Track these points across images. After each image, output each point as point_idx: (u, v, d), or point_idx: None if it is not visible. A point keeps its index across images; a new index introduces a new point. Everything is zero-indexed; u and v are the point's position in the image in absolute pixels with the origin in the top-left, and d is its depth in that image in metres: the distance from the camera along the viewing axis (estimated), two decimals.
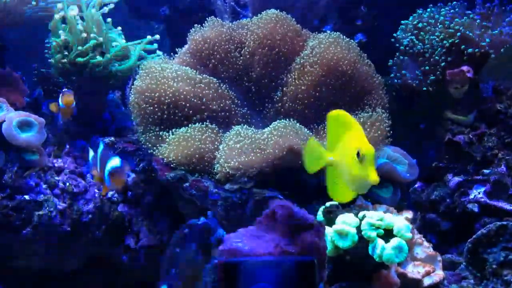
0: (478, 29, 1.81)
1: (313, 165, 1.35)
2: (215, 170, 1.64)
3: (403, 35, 1.94)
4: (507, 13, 1.85)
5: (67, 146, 1.94)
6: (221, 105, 1.78)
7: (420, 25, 1.92)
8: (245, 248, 1.11)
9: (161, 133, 1.73)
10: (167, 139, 1.70)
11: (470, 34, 1.80)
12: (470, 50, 1.80)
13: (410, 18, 1.96)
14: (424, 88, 1.86)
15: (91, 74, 1.95)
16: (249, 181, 1.61)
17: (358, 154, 1.20)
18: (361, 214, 1.35)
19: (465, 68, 1.82)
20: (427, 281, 1.39)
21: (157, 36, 2.07)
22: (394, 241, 1.28)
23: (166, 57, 1.92)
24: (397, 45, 1.96)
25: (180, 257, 1.56)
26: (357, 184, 1.23)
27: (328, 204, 1.45)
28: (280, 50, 1.82)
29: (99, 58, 1.93)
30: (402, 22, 1.97)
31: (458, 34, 1.82)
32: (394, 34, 1.97)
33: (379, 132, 1.69)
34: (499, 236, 1.40)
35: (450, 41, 1.84)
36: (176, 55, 1.90)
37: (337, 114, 1.30)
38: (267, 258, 1.13)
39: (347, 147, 1.24)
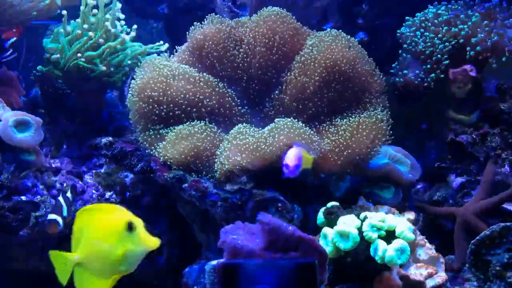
0: (482, 31, 1.79)
1: (62, 274, 1.25)
2: (215, 168, 1.63)
3: (407, 31, 1.93)
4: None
5: (64, 146, 1.92)
6: (221, 103, 1.76)
7: (424, 23, 1.90)
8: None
9: (159, 132, 1.72)
10: (166, 139, 1.68)
11: (474, 39, 1.78)
12: (472, 53, 1.78)
13: (416, 16, 1.95)
14: (426, 85, 1.85)
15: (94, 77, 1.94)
16: (249, 181, 1.60)
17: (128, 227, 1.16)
18: (362, 215, 1.33)
19: (467, 67, 1.81)
20: (430, 283, 1.38)
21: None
22: (396, 243, 1.27)
23: (165, 56, 1.90)
24: (400, 41, 1.95)
25: None
26: (132, 258, 1.18)
27: (329, 204, 1.44)
28: (279, 48, 1.80)
29: (100, 67, 1.91)
30: (407, 18, 1.95)
31: (463, 33, 1.81)
32: (398, 31, 1.96)
33: (379, 131, 1.67)
34: (503, 238, 1.39)
35: (453, 42, 1.82)
36: (175, 53, 1.89)
37: (82, 211, 1.24)
38: (268, 260, 1.12)
39: (102, 231, 1.19)
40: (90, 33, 1.90)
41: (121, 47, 1.98)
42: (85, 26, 1.93)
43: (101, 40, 1.91)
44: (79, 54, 1.90)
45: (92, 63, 1.92)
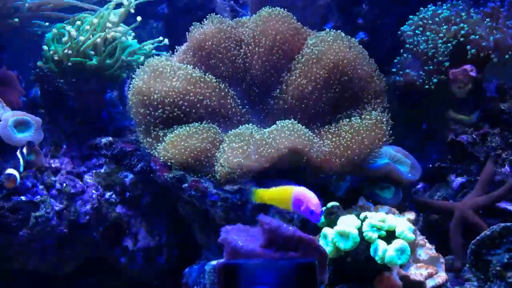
0: (483, 29, 1.79)
1: None
2: (215, 169, 1.62)
3: (409, 30, 1.92)
4: None
5: (64, 146, 1.92)
6: (221, 104, 1.76)
7: (424, 22, 1.90)
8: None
9: (160, 132, 1.71)
10: (166, 139, 1.68)
11: (475, 36, 1.78)
12: (473, 50, 1.78)
13: (417, 14, 1.95)
14: (427, 87, 1.85)
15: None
16: (249, 181, 1.60)
17: None
18: (362, 215, 1.33)
19: (468, 67, 1.81)
20: (430, 283, 1.38)
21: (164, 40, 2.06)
22: (396, 243, 1.27)
23: (165, 56, 1.90)
24: (401, 38, 1.95)
25: None
26: None
27: (329, 205, 1.44)
28: (279, 48, 1.80)
29: (94, 61, 1.90)
30: (410, 17, 1.95)
31: (462, 32, 1.80)
32: (401, 28, 1.96)
33: (380, 132, 1.67)
34: (503, 238, 1.39)
35: (454, 42, 1.82)
36: (175, 53, 1.88)
37: None
38: (268, 260, 1.11)
39: None
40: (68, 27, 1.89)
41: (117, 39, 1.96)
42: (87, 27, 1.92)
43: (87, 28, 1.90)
44: (70, 51, 1.88)
45: (87, 57, 1.90)
